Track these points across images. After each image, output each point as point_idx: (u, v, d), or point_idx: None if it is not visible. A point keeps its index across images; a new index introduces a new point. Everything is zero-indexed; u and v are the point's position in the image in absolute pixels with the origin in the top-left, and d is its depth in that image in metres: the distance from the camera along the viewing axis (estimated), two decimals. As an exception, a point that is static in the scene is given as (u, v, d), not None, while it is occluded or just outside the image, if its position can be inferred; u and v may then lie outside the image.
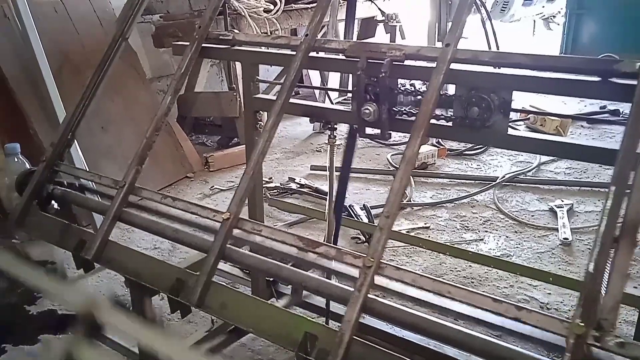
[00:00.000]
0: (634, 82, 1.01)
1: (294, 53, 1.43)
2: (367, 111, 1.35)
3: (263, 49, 1.66)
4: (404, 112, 1.38)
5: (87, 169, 2.38)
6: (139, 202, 1.50)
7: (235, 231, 1.30)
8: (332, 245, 1.18)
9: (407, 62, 1.32)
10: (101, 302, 1.10)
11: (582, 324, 0.86)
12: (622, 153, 0.95)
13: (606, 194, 0.92)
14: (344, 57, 1.42)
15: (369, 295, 1.06)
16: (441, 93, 1.35)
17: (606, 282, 0.88)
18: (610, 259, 0.89)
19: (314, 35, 1.42)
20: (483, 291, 0.98)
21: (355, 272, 1.11)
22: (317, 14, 1.45)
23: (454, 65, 1.23)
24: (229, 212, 1.28)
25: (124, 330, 1.19)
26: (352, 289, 1.07)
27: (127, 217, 1.49)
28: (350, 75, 1.51)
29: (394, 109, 1.38)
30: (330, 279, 1.29)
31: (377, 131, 1.41)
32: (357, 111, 1.39)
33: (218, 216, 1.31)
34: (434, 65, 1.22)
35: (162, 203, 1.46)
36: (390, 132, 1.40)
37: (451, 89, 1.32)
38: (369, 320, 1.78)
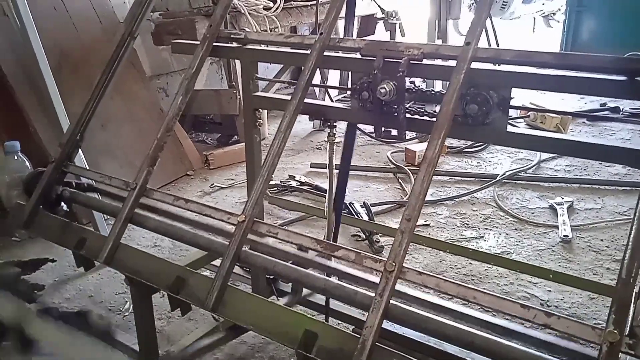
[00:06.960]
0: None
1: (308, 52, 1.39)
2: (382, 90, 1.29)
3: (276, 48, 1.61)
4: (425, 112, 1.36)
5: (87, 167, 2.37)
6: (151, 203, 1.48)
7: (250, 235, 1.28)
8: (352, 249, 1.15)
9: (424, 61, 1.28)
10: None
11: (616, 331, 0.83)
12: None
13: (639, 196, 0.88)
14: (359, 56, 1.39)
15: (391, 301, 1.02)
16: (427, 90, 1.34)
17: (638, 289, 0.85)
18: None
19: (328, 33, 1.38)
20: (484, 289, 0.97)
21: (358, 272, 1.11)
22: (331, 12, 1.40)
23: (451, 62, 1.21)
24: (244, 214, 1.27)
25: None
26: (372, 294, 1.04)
27: (138, 219, 1.47)
28: (350, 73, 1.50)
29: (410, 108, 1.36)
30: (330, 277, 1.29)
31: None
32: (358, 101, 1.37)
33: (233, 218, 1.30)
34: (452, 64, 1.19)
35: (175, 205, 1.44)
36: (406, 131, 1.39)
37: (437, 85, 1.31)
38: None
